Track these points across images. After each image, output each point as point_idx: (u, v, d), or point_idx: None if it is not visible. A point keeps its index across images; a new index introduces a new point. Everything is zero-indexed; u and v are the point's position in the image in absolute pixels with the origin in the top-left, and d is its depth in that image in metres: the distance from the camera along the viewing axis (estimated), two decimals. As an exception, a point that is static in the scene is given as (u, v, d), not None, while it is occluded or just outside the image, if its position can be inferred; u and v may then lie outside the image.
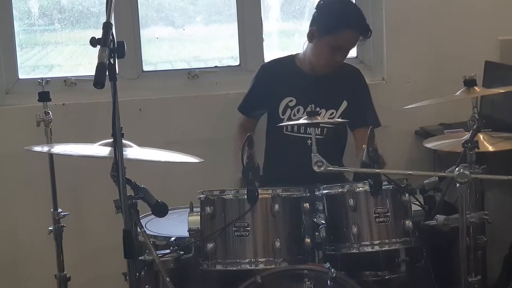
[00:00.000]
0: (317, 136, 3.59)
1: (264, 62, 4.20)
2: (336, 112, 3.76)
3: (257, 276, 2.70)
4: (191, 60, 4.49)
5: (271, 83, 3.78)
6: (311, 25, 3.69)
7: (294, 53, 3.89)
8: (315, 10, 3.73)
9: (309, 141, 3.53)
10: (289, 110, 3.71)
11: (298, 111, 3.68)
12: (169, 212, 2.78)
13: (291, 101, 3.71)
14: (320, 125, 3.68)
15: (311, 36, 3.68)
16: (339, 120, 3.69)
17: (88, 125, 3.98)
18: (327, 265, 2.94)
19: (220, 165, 4.03)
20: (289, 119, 3.68)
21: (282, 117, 3.71)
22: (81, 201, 4.06)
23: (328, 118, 3.72)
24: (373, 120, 3.81)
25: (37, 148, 3.01)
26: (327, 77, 3.74)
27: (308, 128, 3.55)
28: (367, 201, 2.83)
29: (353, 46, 3.72)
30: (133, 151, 2.81)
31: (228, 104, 4.11)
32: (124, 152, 2.49)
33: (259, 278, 2.70)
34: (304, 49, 3.78)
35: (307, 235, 2.85)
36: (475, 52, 4.27)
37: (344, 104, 3.77)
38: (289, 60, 3.84)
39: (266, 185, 2.91)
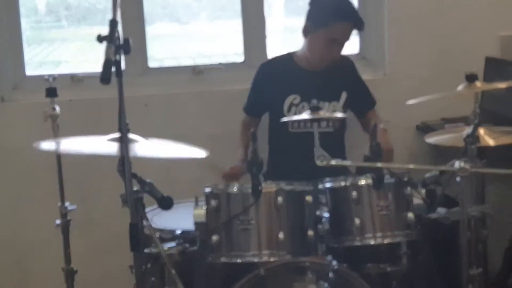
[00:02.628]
0: (326, 130, 3.67)
1: (267, 58, 4.23)
2: (338, 103, 3.78)
3: (260, 269, 2.74)
4: (196, 56, 4.51)
5: (273, 81, 3.78)
6: (305, 21, 3.71)
7: (292, 50, 3.89)
8: (308, 6, 3.75)
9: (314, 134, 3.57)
10: (293, 108, 3.72)
11: (302, 107, 3.68)
12: (174, 205, 2.79)
13: (295, 98, 3.72)
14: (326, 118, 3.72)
15: (305, 31, 3.69)
16: (340, 114, 3.70)
17: (94, 120, 3.99)
18: (329, 257, 2.97)
19: (225, 159, 4.05)
20: None
21: (287, 115, 3.71)
22: (88, 195, 4.08)
23: (332, 110, 3.74)
24: (371, 100, 3.98)
25: (45, 145, 3.01)
26: (325, 71, 3.76)
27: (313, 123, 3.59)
28: (370, 194, 2.86)
29: (347, 39, 3.70)
30: (139, 146, 2.83)
31: (233, 99, 4.13)
32: (132, 149, 2.51)
33: (263, 270, 2.74)
34: (302, 45, 3.80)
35: (310, 228, 2.87)
36: (476, 48, 4.27)
37: (344, 95, 3.79)
38: (288, 58, 3.84)
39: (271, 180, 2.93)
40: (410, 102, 3.16)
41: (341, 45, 3.71)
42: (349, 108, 3.80)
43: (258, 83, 3.85)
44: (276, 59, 3.92)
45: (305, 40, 3.74)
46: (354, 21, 3.65)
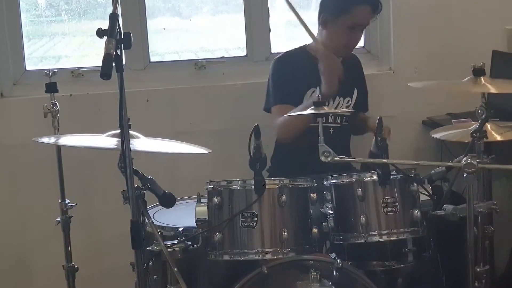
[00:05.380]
0: (337, 124, 3.65)
1: (271, 52, 4.19)
2: (351, 100, 3.76)
3: (263, 267, 2.71)
4: (198, 50, 4.49)
5: (291, 76, 3.71)
6: (320, 12, 3.69)
7: (302, 44, 3.84)
8: None
9: (331, 130, 3.56)
10: None
11: None
12: (176, 202, 2.79)
13: (314, 92, 3.67)
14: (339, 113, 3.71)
15: (324, 23, 3.67)
16: (347, 110, 3.69)
17: (95, 116, 4.00)
18: (333, 255, 2.95)
19: (227, 155, 4.03)
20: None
21: None
22: (88, 192, 4.07)
23: (346, 106, 3.74)
24: (367, 105, 3.99)
25: (44, 139, 3.01)
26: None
27: (330, 117, 3.64)
28: (375, 191, 2.82)
29: (367, 23, 3.69)
30: (140, 142, 2.82)
31: (235, 94, 4.11)
32: (131, 144, 2.49)
33: (265, 268, 2.71)
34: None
35: (314, 225, 2.85)
36: (483, 42, 4.25)
37: (355, 92, 3.78)
38: (302, 51, 3.79)
39: (276, 176, 2.90)
40: (414, 85, 3.11)
41: (362, 30, 3.69)
42: (358, 107, 3.75)
43: (279, 75, 3.75)
44: (290, 53, 3.84)
45: (323, 31, 3.70)
46: (373, 3, 3.63)
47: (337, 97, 3.71)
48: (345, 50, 3.72)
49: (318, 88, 3.61)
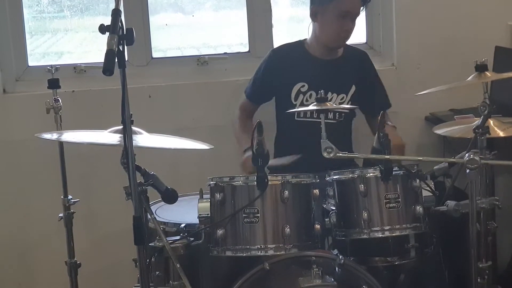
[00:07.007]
0: (330, 121, 3.65)
1: (273, 47, 4.19)
2: (346, 97, 3.75)
3: (265, 263, 2.72)
4: (201, 46, 4.49)
5: (282, 68, 3.77)
6: (311, 5, 3.71)
7: (302, 38, 3.87)
8: None
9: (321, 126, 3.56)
10: (301, 96, 3.70)
11: (310, 96, 3.67)
12: (179, 198, 2.78)
13: (303, 86, 3.70)
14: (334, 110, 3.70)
15: (314, 14, 3.69)
16: (348, 106, 3.70)
17: (97, 112, 3.99)
18: (335, 251, 2.94)
19: (229, 151, 4.02)
20: (302, 104, 3.67)
21: (294, 102, 3.70)
22: (91, 187, 4.07)
23: (339, 103, 3.73)
24: (384, 103, 3.90)
25: (46, 135, 3.01)
26: (336, 61, 3.75)
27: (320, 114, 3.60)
28: (378, 186, 2.81)
29: (357, 11, 3.67)
30: (143, 138, 2.82)
31: (238, 90, 4.10)
32: (134, 140, 2.49)
33: (267, 265, 2.71)
34: (310, 33, 3.78)
35: (316, 221, 2.84)
36: (485, 37, 4.25)
37: (353, 89, 3.77)
38: (299, 45, 3.84)
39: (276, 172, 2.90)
40: (419, 93, 3.12)
41: (352, 20, 3.68)
42: (357, 104, 3.73)
43: (268, 68, 3.82)
44: (287, 46, 3.90)
45: (315, 24, 3.72)
46: None
47: (330, 93, 3.69)
48: (337, 41, 3.72)
49: (307, 83, 3.68)
